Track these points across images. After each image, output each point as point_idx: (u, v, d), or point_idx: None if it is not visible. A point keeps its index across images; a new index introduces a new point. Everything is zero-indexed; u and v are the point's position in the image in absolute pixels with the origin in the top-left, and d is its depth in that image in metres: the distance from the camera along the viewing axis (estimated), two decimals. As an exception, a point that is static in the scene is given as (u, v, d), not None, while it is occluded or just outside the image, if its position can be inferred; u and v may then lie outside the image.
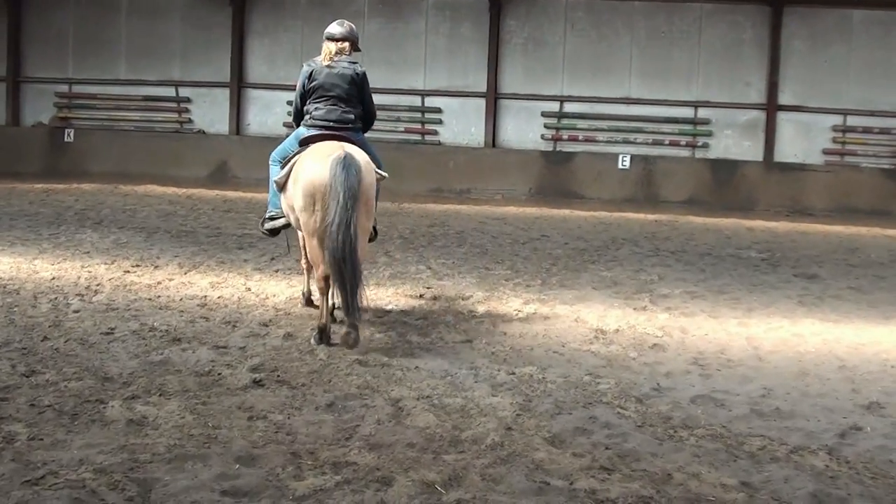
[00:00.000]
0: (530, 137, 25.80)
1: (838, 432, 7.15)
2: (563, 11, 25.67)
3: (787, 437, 6.96)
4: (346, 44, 9.90)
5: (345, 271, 8.74)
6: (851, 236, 20.14)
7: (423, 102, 26.41)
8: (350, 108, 9.83)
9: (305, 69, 9.95)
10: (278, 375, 8.02)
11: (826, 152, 24.87)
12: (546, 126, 25.69)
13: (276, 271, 12.94)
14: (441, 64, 26.31)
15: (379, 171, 9.70)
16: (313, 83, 9.84)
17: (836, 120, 24.82)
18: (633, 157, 25.04)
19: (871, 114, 24.59)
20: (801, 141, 25.01)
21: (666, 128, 25.40)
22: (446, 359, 8.83)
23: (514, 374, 8.39)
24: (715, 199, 24.39)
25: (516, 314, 10.85)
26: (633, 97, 25.47)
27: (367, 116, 10.19)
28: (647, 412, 7.46)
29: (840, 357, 9.49)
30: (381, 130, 25.35)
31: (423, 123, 26.40)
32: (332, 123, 9.73)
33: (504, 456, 6.33)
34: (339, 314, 9.66)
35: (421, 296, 11.67)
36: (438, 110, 26.30)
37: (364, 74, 9.93)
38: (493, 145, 25.81)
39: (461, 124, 26.25)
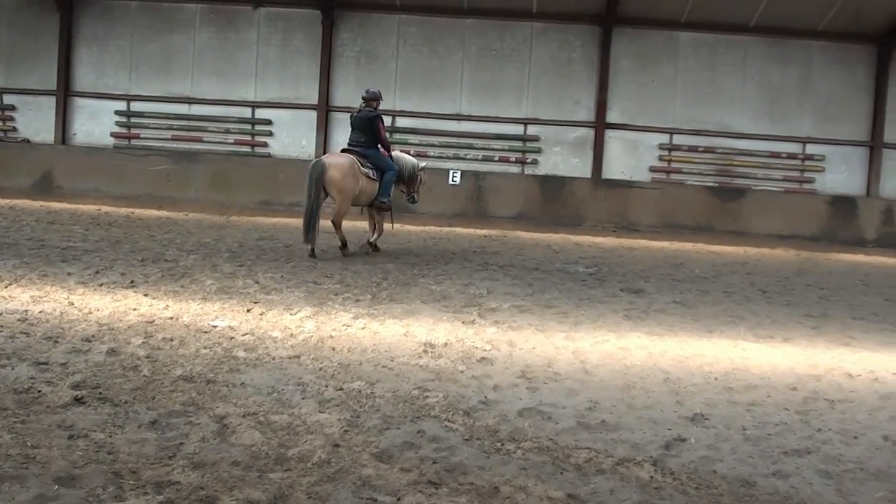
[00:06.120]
0: (362, 151, 25.73)
1: (663, 444, 7.26)
2: (395, 26, 25.79)
3: (612, 449, 7.05)
4: (372, 101, 17.06)
5: (309, 217, 16.12)
6: (676, 251, 20.63)
7: (253, 114, 26.27)
8: (364, 135, 16.95)
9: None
10: (100, 392, 7.81)
11: (653, 170, 25.46)
12: (378, 140, 25.67)
13: (101, 285, 12.65)
14: (272, 75, 26.20)
15: (364, 167, 16.81)
16: (351, 122, 17.29)
17: (663, 138, 25.44)
18: (463, 173, 25.27)
19: (697, 133, 25.31)
20: (629, 158, 25.55)
21: (496, 144, 25.72)
22: (273, 375, 8.72)
23: (342, 389, 8.33)
24: (544, 214, 24.77)
25: (345, 329, 10.78)
26: (465, 113, 25.73)
27: (379, 142, 17.05)
28: (475, 425, 7.48)
29: (665, 370, 9.67)
30: (210, 142, 25.05)
31: (252, 135, 26.22)
32: (351, 143, 17.19)
33: (331, 473, 6.27)
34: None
35: (248, 310, 11.50)
36: (269, 122, 26.19)
37: (375, 117, 16.87)
38: (325, 158, 25.66)
39: (291, 136, 26.17)
